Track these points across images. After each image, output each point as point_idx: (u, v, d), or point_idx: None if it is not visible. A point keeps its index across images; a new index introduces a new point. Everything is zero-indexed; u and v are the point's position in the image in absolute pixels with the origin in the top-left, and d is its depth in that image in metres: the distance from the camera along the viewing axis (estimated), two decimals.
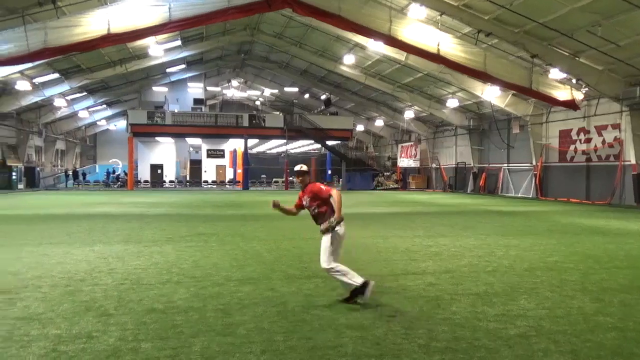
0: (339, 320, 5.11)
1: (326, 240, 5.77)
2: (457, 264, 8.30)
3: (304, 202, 6.05)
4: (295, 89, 47.55)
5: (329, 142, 44.16)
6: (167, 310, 5.47)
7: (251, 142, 44.77)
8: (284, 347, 4.34)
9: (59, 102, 35.36)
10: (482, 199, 28.68)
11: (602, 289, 6.63)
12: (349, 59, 31.17)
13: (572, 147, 27.31)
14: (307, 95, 48.78)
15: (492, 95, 28.05)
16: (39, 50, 18.41)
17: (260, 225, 14.06)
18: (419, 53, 21.94)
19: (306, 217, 6.30)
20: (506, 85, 23.70)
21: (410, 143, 44.90)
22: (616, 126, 24.20)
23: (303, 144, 52.49)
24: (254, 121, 41.33)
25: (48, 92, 32.23)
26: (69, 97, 36.27)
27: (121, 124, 51.08)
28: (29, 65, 24.54)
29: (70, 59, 28.37)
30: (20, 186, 36.71)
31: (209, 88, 48.78)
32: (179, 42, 31.46)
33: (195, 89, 46.65)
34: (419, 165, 43.96)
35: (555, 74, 22.08)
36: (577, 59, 21.30)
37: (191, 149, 47.53)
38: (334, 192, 5.93)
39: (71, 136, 49.12)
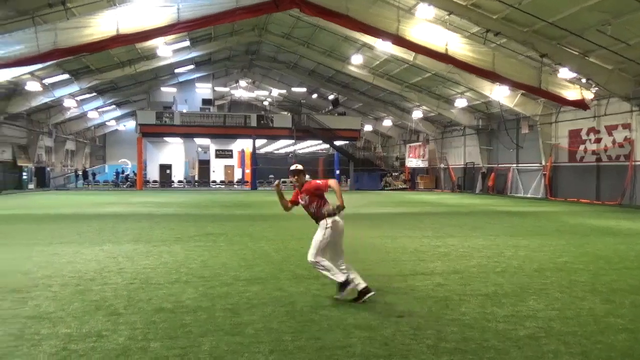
0: (347, 321, 5.11)
1: (319, 234, 5.85)
2: (465, 265, 8.27)
3: (303, 202, 6.07)
4: (303, 89, 47.57)
5: (337, 142, 44.12)
6: (176, 309, 5.50)
7: (259, 142, 44.82)
8: (292, 347, 4.35)
9: (68, 102, 35.60)
10: (491, 199, 28.55)
11: (612, 290, 6.58)
12: (356, 59, 31.14)
13: (581, 147, 27.11)
14: (315, 96, 48.78)
15: (501, 95, 27.90)
16: (49, 51, 18.54)
17: (268, 225, 14.08)
18: (427, 53, 21.87)
19: None
20: (515, 85, 23.55)
21: (418, 143, 44.78)
22: (627, 126, 23.99)
23: (311, 144, 52.50)
24: (262, 121, 41.38)
25: (58, 93, 32.45)
26: (78, 98, 36.50)
27: (130, 124, 51.35)
28: (39, 66, 24.74)
29: (80, 60, 28.55)
30: (31, 186, 37.01)
31: (217, 88, 48.90)
32: (187, 43, 31.57)
33: (204, 90, 46.79)
34: (427, 166, 43.82)
35: (564, 73, 21.92)
36: (587, 58, 21.13)
37: (199, 149, 47.68)
38: (332, 182, 6.01)
39: (81, 136, 49.45)
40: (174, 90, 45.00)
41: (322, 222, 5.89)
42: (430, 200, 28.33)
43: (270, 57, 41.39)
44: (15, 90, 30.16)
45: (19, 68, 22.72)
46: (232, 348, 4.32)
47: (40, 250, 9.31)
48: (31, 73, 26.82)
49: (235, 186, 45.20)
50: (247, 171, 44.83)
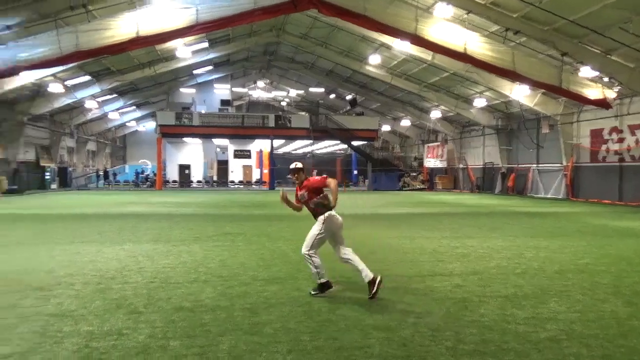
0: (365, 321, 5.11)
1: (315, 228, 6.11)
2: (485, 266, 8.20)
3: (301, 198, 6.33)
4: (321, 90, 47.60)
5: (355, 143, 44.05)
6: (195, 308, 5.55)
7: (277, 142, 44.98)
8: (310, 347, 4.36)
9: (90, 104, 36.12)
10: (510, 200, 28.24)
11: (635, 293, 6.46)
12: (374, 59, 31.03)
13: (603, 147, 26.64)
14: (332, 96, 48.77)
15: (520, 94, 27.56)
16: (70, 53, 18.89)
17: (285, 225, 14.12)
18: (446, 52, 21.71)
19: None
20: (535, 84, 23.25)
21: (436, 143, 44.49)
22: None
23: (329, 145, 52.47)
24: (279, 122, 41.50)
25: (79, 94, 32.98)
26: (99, 99, 37.01)
27: (150, 125, 51.90)
28: (62, 68, 25.21)
29: (101, 62, 28.97)
30: (54, 186, 37.68)
31: (235, 89, 49.19)
32: (206, 44, 31.82)
33: (222, 90, 47.10)
34: (445, 166, 43.50)
35: (586, 72, 21.55)
36: (609, 56, 20.75)
37: (218, 149, 48.01)
38: (330, 181, 6.23)
39: (102, 137, 50.13)
40: (192, 91, 45.41)
41: (320, 218, 6.14)
42: (449, 200, 28.13)
43: (288, 57, 41.50)
44: (38, 92, 30.72)
45: (42, 70, 23.18)
46: (250, 347, 4.34)
47: (62, 249, 9.47)
48: (54, 75, 27.35)
49: (254, 186, 45.42)
50: (265, 171, 45.03)
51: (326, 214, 6.10)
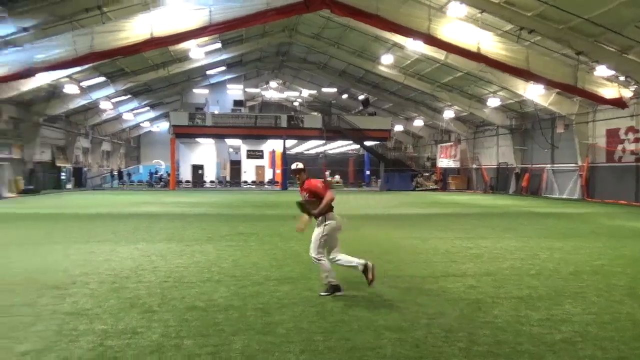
0: (377, 322, 5.10)
1: (318, 230, 6.26)
2: (498, 267, 8.14)
3: (303, 198, 6.45)
4: (334, 90, 47.56)
5: (367, 143, 43.95)
6: (208, 308, 5.59)
7: (290, 142, 45.01)
8: (323, 347, 4.36)
9: (104, 104, 36.47)
10: (524, 201, 28.00)
11: None
12: (387, 58, 30.94)
13: (620, 147, 26.29)
14: (345, 96, 48.72)
15: (535, 93, 27.30)
16: (85, 54, 19.12)
17: None
18: (459, 52, 21.59)
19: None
20: (550, 84, 23.02)
21: (450, 143, 44.25)
22: None
23: (341, 145, 52.43)
24: (292, 122, 41.55)
25: (94, 95, 33.32)
26: (114, 100, 37.36)
27: (163, 125, 52.25)
28: (77, 69, 25.50)
29: (115, 63, 29.25)
30: (69, 186, 38.10)
31: (248, 90, 49.34)
32: (219, 45, 31.97)
33: (235, 91, 47.28)
34: (459, 166, 43.24)
35: (601, 71, 21.29)
36: (626, 55, 20.48)
37: (231, 149, 48.20)
38: (328, 193, 6.31)
39: (116, 137, 50.59)
40: (206, 91, 45.66)
41: (320, 219, 6.27)
42: (462, 201, 27.96)
43: (300, 57, 41.55)
44: (54, 93, 31.08)
45: (58, 71, 23.48)
46: (263, 347, 4.36)
47: (77, 249, 9.58)
48: (69, 76, 27.69)
49: (266, 186, 45.53)
50: (278, 171, 45.11)
51: (328, 215, 6.25)
